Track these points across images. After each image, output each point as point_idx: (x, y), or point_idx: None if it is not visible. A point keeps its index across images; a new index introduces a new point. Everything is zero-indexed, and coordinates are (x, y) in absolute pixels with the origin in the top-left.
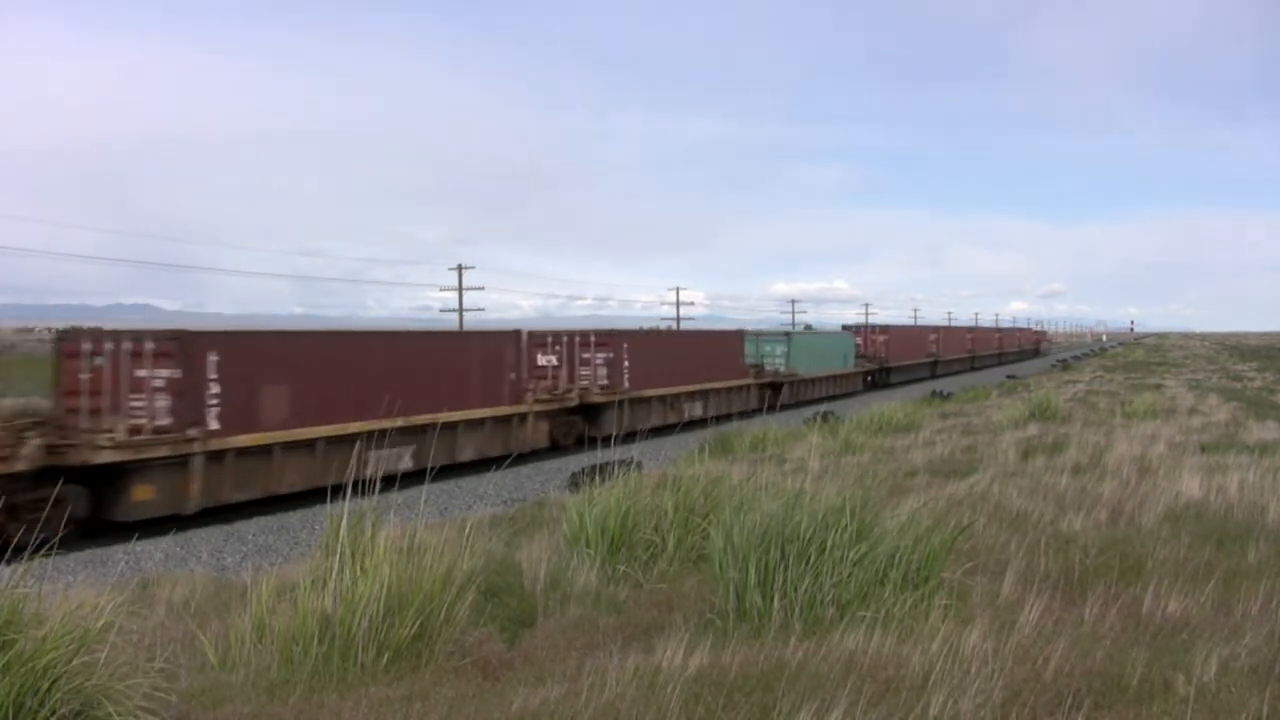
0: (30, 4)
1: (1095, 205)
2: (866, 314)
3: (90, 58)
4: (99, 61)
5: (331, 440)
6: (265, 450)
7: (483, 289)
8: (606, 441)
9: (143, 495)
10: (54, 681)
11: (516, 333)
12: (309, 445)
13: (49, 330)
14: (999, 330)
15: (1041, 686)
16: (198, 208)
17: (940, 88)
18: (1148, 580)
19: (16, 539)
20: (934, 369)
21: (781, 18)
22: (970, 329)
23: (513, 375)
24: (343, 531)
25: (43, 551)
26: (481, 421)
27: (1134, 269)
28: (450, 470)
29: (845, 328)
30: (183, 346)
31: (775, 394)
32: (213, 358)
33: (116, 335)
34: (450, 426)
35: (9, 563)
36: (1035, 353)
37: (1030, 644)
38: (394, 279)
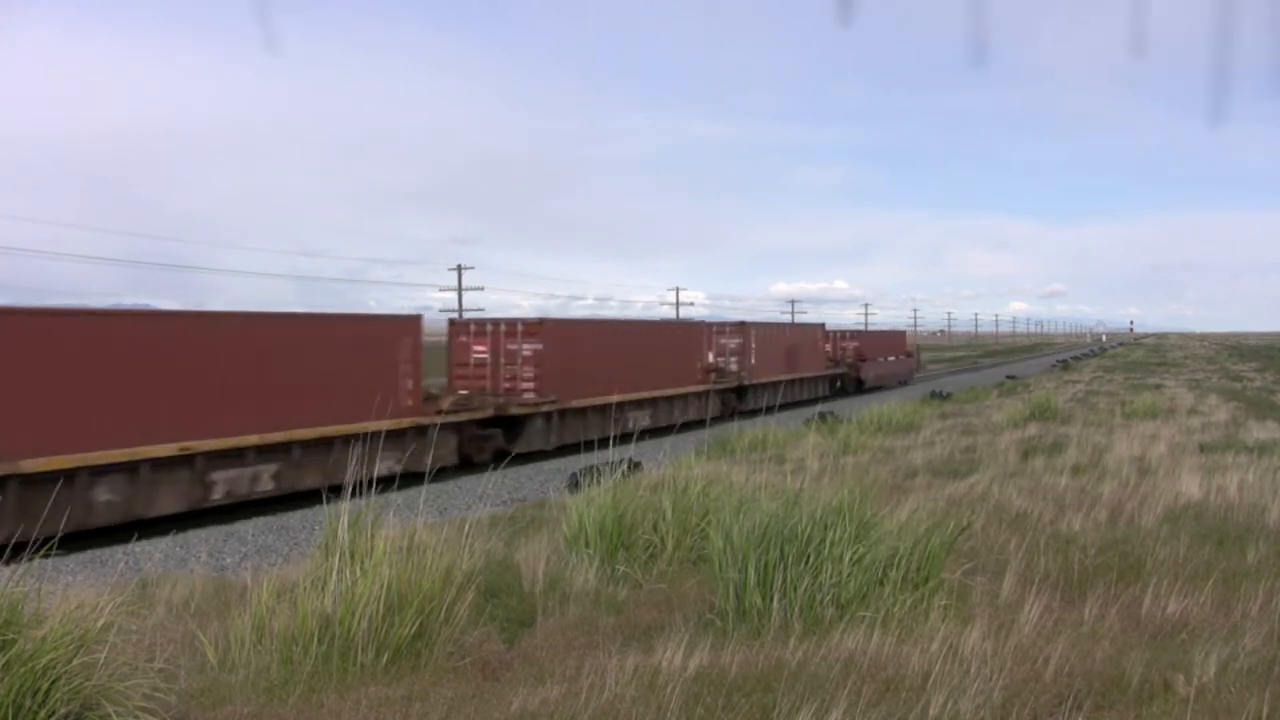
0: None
1: (1096, 205)
2: (866, 314)
3: (92, 56)
4: (100, 60)
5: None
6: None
7: (482, 289)
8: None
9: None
10: (54, 682)
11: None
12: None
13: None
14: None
15: (1041, 687)
16: (197, 207)
17: (940, 87)
18: (1147, 580)
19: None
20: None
21: (781, 19)
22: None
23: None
24: (342, 531)
25: (42, 552)
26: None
27: (1135, 269)
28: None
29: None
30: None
31: None
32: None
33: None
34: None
35: (9, 562)
36: (853, 382)
37: (1030, 644)
38: (393, 279)
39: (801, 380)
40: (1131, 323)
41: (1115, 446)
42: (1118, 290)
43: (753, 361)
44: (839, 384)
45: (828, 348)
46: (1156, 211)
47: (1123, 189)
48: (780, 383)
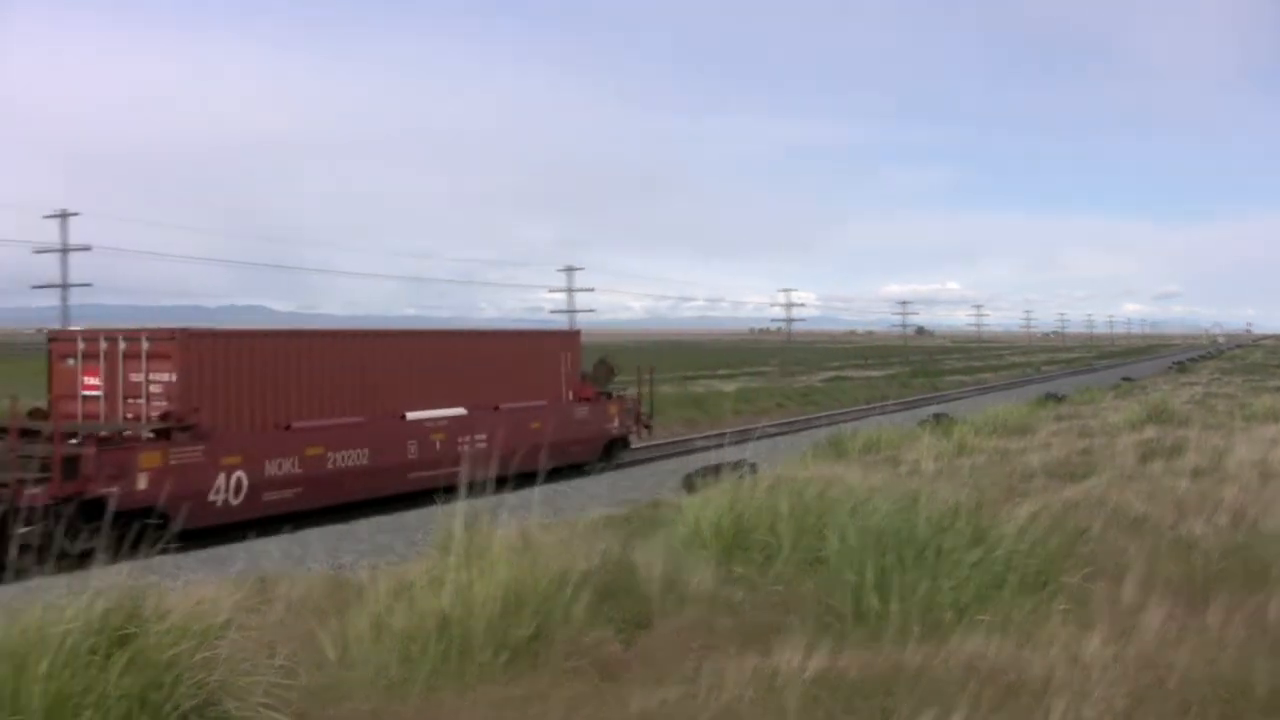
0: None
1: (1211, 204)
2: (979, 315)
3: (206, 62)
4: (217, 66)
5: None
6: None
7: (592, 290)
8: None
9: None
10: (177, 676)
11: None
12: None
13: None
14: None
15: (1165, 694)
16: (310, 209)
17: (1052, 87)
18: (1273, 588)
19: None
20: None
21: (884, 18)
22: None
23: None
24: (458, 531)
25: (158, 548)
26: None
27: (1252, 269)
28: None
29: None
30: None
31: None
32: None
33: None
34: None
35: (128, 559)
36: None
37: (1153, 650)
38: (503, 280)
39: None
40: (1249, 324)
41: (1235, 450)
42: (1234, 290)
43: None
44: None
45: None
46: (1273, 210)
47: (1237, 187)
48: None
